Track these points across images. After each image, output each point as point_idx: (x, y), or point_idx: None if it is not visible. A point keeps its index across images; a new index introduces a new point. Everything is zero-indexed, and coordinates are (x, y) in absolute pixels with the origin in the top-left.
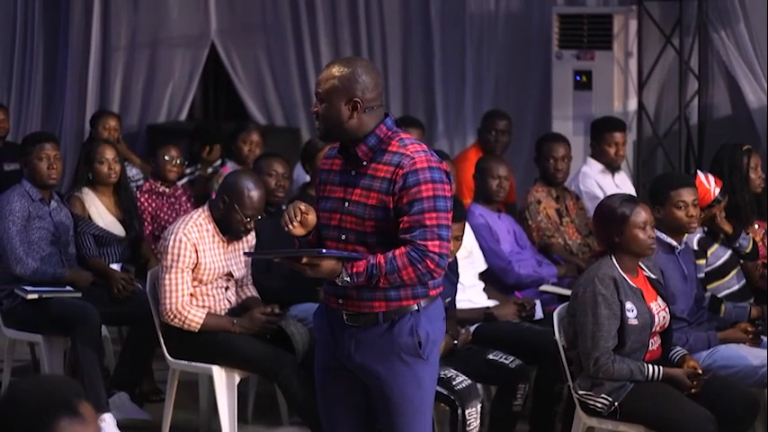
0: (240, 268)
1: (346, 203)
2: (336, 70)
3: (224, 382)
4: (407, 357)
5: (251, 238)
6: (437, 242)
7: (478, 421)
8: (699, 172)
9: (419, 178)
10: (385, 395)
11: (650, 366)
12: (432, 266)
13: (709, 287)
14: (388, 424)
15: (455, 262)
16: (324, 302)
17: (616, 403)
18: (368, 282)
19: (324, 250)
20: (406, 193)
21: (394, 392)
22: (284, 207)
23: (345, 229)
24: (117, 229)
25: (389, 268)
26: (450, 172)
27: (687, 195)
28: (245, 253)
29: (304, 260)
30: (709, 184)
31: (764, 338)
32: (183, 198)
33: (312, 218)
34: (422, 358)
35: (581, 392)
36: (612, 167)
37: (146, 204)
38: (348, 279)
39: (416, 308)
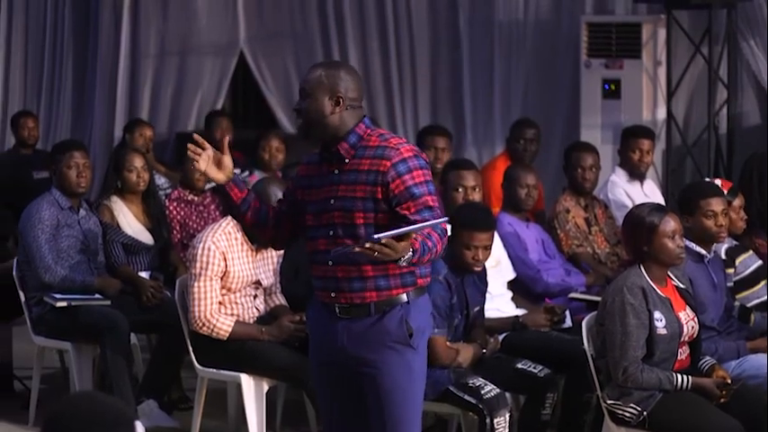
0: (268, 276)
1: (332, 201)
2: (322, 69)
3: (252, 390)
4: (397, 345)
5: None
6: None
7: (507, 430)
8: (706, 179)
9: (410, 165)
10: (376, 383)
11: (679, 376)
12: (445, 241)
13: (738, 296)
14: (379, 412)
15: (484, 271)
16: (316, 299)
17: (645, 413)
18: (418, 260)
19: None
20: (401, 181)
21: (385, 380)
22: None
23: (334, 225)
24: (145, 237)
25: (432, 243)
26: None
27: (716, 205)
28: (370, 237)
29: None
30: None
31: None
32: (212, 206)
33: (228, 161)
34: (411, 347)
35: (609, 402)
36: (636, 174)
37: (174, 212)
38: (411, 255)
39: (406, 299)
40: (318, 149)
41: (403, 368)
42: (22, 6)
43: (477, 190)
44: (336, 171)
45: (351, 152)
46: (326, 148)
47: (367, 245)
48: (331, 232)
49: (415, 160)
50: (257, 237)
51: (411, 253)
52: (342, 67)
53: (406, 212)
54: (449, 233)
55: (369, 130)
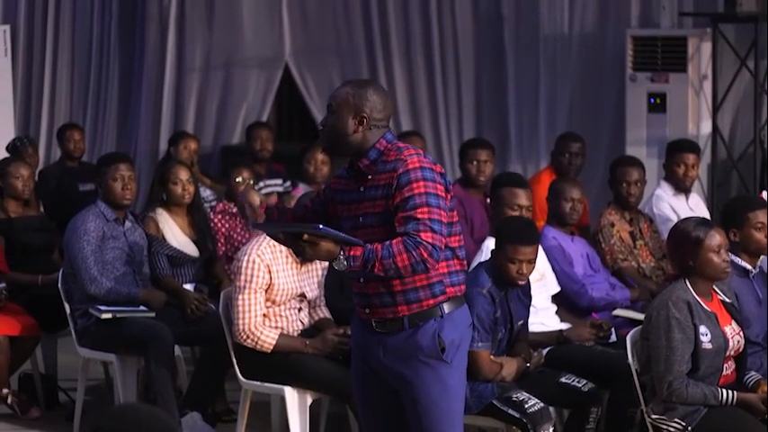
0: (313, 289)
1: (360, 218)
2: (350, 87)
3: (296, 403)
4: (430, 360)
5: None
6: (429, 233)
7: None
8: (764, 193)
9: (410, 177)
10: (412, 398)
11: (724, 391)
12: (425, 255)
13: None
14: (418, 426)
15: (528, 284)
16: (356, 315)
17: (689, 428)
18: (363, 266)
19: (321, 226)
20: (399, 192)
21: (420, 395)
22: None
23: (367, 242)
24: (190, 249)
25: (385, 253)
26: (445, 173)
27: (764, 217)
28: (252, 224)
29: (305, 237)
30: None
31: None
32: None
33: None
34: (445, 362)
35: (654, 417)
36: (681, 188)
37: (219, 225)
38: (345, 262)
39: (440, 313)
40: (347, 165)
41: (437, 383)
42: (68, 20)
43: (530, 209)
44: (362, 188)
45: (372, 168)
46: (352, 165)
47: (280, 235)
48: None
49: (419, 172)
50: None
51: (344, 260)
52: (370, 87)
53: (396, 224)
54: (432, 248)
55: (389, 145)
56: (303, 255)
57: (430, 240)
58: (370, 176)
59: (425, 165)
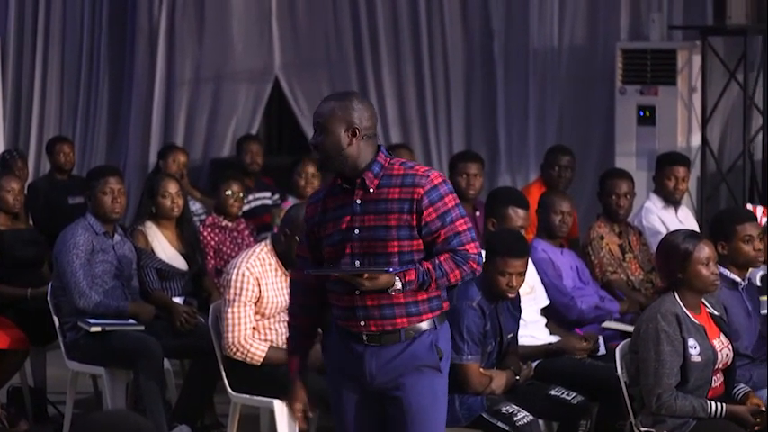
0: None
1: (356, 231)
2: (334, 101)
3: (285, 416)
4: (425, 369)
5: None
6: (472, 244)
7: None
8: (749, 204)
9: (440, 192)
10: (402, 407)
11: (713, 403)
12: (474, 266)
13: None
14: None
15: (518, 297)
16: (338, 328)
17: None
18: (419, 288)
19: (391, 269)
20: (433, 209)
21: (411, 403)
22: None
23: (359, 255)
24: (180, 262)
25: (438, 274)
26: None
27: (752, 229)
28: (306, 271)
29: (365, 276)
30: (756, 214)
31: None
32: (246, 232)
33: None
34: (439, 371)
35: (643, 429)
36: (671, 201)
37: (208, 238)
38: (400, 287)
39: (434, 325)
40: (330, 184)
41: (428, 390)
42: (58, 32)
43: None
44: (359, 201)
45: (374, 182)
46: (346, 180)
47: (337, 274)
48: (357, 262)
49: (445, 186)
50: None
51: (400, 286)
52: (354, 98)
53: (437, 242)
54: (478, 256)
55: (389, 159)
56: (361, 288)
57: (475, 251)
58: (372, 189)
59: (445, 178)
